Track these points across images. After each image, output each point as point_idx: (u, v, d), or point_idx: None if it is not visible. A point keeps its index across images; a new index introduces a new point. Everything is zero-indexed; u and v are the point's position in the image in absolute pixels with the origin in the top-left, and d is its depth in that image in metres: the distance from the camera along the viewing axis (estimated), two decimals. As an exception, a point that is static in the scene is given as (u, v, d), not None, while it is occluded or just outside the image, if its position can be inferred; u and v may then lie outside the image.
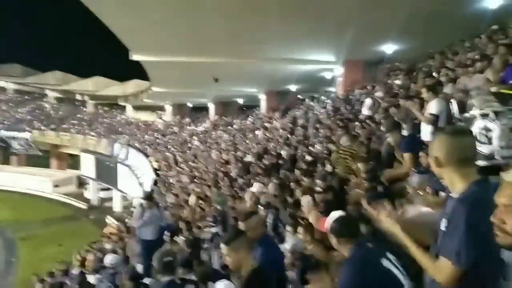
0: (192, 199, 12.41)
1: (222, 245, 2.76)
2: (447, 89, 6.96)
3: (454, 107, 5.34)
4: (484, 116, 4.14)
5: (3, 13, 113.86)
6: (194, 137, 32.92)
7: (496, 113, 4.08)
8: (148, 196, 8.29)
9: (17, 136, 44.61)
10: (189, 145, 31.12)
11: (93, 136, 41.81)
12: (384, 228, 1.98)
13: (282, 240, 5.20)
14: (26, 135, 44.46)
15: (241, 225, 3.30)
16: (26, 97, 56.18)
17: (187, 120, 41.98)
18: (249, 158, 14.93)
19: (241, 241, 2.73)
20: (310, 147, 10.91)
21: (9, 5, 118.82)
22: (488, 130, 3.93)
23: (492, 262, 1.62)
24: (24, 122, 47.23)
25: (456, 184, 1.74)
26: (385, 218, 1.95)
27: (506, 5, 12.35)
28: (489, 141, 3.87)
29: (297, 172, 8.49)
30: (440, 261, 1.67)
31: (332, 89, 24.00)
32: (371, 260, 2.23)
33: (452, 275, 1.61)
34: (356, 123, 9.70)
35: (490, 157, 3.83)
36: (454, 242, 1.62)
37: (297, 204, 6.16)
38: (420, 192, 4.23)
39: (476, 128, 3.91)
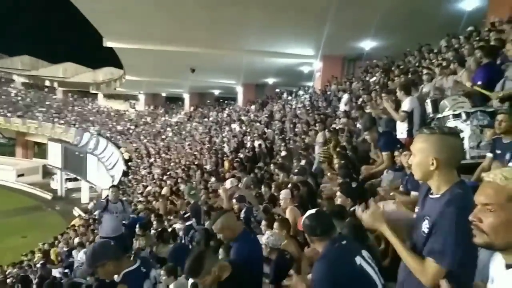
0: (164, 192, 12.18)
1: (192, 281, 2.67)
2: (425, 88, 7.03)
3: (428, 106, 5.38)
4: (456, 116, 4.20)
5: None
6: (167, 128, 32.45)
7: (468, 114, 4.15)
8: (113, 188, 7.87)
9: (-19, 122, 42.73)
10: (163, 136, 30.66)
11: (62, 124, 40.51)
12: (368, 225, 1.91)
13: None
14: (-10, 121, 42.63)
15: (213, 228, 3.19)
16: (-9, 81, 53.79)
17: (161, 110, 41.32)
18: (224, 151, 14.79)
19: (206, 266, 2.57)
20: (286, 142, 10.86)
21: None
22: (459, 131, 3.99)
23: (474, 262, 1.65)
24: (-12, 108, 45.23)
25: (441, 185, 1.70)
26: (370, 216, 1.88)
27: (481, 7, 12.67)
28: (460, 142, 3.93)
29: (272, 166, 8.43)
30: (425, 262, 1.64)
31: (310, 84, 24.10)
32: (344, 258, 2.20)
33: (437, 275, 1.60)
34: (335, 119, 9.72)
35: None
36: (439, 243, 1.60)
37: (272, 198, 6.09)
38: (391, 191, 4.25)
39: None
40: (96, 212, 7.36)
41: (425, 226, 1.68)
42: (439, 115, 4.58)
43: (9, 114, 43.77)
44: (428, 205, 1.75)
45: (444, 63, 7.87)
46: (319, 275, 2.16)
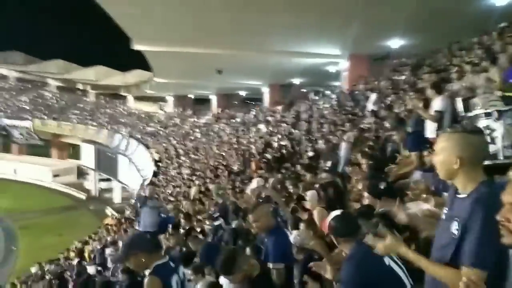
0: (193, 192, 12.39)
1: (224, 279, 2.79)
2: (454, 86, 6.87)
3: (459, 105, 5.26)
4: (488, 115, 4.10)
5: (5, 0, 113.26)
6: (195, 129, 32.89)
7: (500, 113, 4.04)
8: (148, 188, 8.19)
9: (18, 124, 44.60)
10: (191, 137, 31.11)
11: (94, 126, 41.75)
12: (390, 250, 1.93)
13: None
14: (27, 123, 44.45)
15: (250, 217, 3.31)
16: (28, 85, 56.00)
17: (189, 112, 41.90)
18: (251, 151, 14.88)
19: (236, 265, 2.64)
20: (313, 142, 10.84)
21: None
22: (491, 129, 3.89)
23: (505, 262, 1.59)
24: (25, 111, 47.17)
25: (467, 184, 1.69)
26: (387, 246, 1.89)
27: (514, 2, 12.23)
28: (492, 141, 3.84)
29: (299, 167, 8.45)
30: (462, 270, 1.60)
31: (337, 83, 23.83)
32: (372, 258, 2.16)
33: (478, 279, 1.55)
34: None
35: (493, 156, 3.80)
36: (474, 246, 1.57)
37: (299, 199, 6.11)
38: (423, 193, 4.19)
39: (480, 127, 3.88)
40: (136, 206, 7.61)
41: (454, 227, 1.67)
42: (470, 114, 4.49)
43: (45, 117, 45.52)
44: (456, 206, 1.74)
45: (476, 61, 7.67)
46: (347, 276, 2.15)
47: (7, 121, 45.17)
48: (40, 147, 47.03)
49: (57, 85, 56.17)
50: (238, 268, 2.61)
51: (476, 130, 1.79)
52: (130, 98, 51.31)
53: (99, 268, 9.28)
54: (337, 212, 2.58)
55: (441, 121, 5.28)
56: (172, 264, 2.86)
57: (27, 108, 48.33)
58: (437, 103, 5.33)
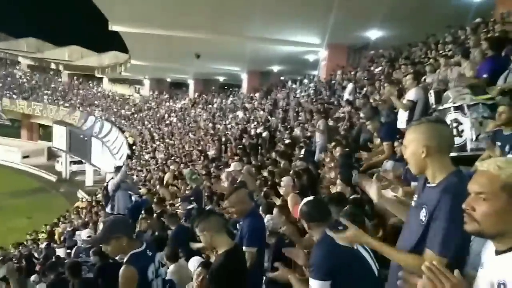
0: (167, 176, 12.28)
1: (196, 229, 2.76)
2: (428, 78, 7.02)
3: (432, 97, 5.39)
4: (457, 109, 4.21)
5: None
6: (171, 113, 32.48)
7: (468, 107, 4.17)
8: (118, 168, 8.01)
9: (-14, 103, 42.87)
10: (166, 121, 30.72)
11: (66, 107, 40.58)
12: (353, 241, 1.99)
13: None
14: (-5, 102, 42.74)
15: (225, 203, 3.32)
16: (-3, 63, 53.81)
17: (166, 96, 41.29)
18: (228, 137, 14.84)
19: (208, 222, 2.71)
20: (289, 130, 10.90)
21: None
22: (459, 123, 4.03)
23: (467, 249, 1.67)
24: (-6, 89, 45.31)
25: (436, 173, 1.74)
26: (351, 237, 1.94)
27: (489, -2, 12.51)
28: (459, 134, 3.98)
29: (274, 154, 8.49)
30: (425, 255, 1.65)
31: (315, 72, 23.95)
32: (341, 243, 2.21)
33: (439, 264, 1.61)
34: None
35: (460, 149, 3.93)
36: (439, 233, 1.62)
37: (273, 185, 6.16)
38: (392, 182, 4.28)
39: (448, 120, 4.00)
40: (110, 189, 7.42)
41: (422, 214, 1.71)
42: (441, 107, 4.60)
43: (14, 96, 43.89)
44: (425, 194, 1.78)
45: (449, 54, 7.84)
46: (317, 260, 2.19)
47: (-27, 99, 43.32)
48: (9, 128, 45.42)
49: (29, 64, 54.13)
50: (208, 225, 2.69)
51: (440, 120, 1.85)
52: (105, 80, 50.03)
53: (69, 251, 9.14)
54: (309, 198, 2.61)
55: (413, 111, 5.40)
56: (149, 252, 2.79)
57: (-4, 86, 46.40)
58: (412, 93, 5.47)
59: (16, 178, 33.59)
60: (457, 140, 3.89)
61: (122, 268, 2.63)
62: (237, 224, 3.92)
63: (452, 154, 3.04)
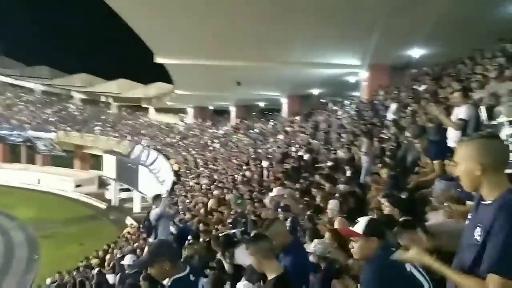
0: (211, 202, 12.40)
1: (247, 245, 2.78)
2: (477, 94, 6.74)
3: (483, 113, 5.15)
4: (512, 123, 3.99)
5: (33, 16, 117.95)
6: (215, 140, 33.10)
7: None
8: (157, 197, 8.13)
9: (43, 136, 45.82)
10: (210, 148, 31.30)
11: (115, 137, 42.50)
12: (414, 259, 1.90)
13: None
14: (51, 135, 45.63)
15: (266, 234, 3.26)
16: (53, 98, 57.75)
17: (209, 123, 42.27)
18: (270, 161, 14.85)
19: (259, 246, 2.70)
20: (332, 152, 10.75)
21: (38, 9, 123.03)
22: (515, 138, 3.80)
23: None
24: (50, 123, 48.49)
25: (492, 191, 1.65)
26: (412, 257, 1.86)
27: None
28: (517, 149, 3.73)
29: (318, 176, 8.37)
30: (487, 277, 1.55)
31: (356, 93, 23.66)
32: (395, 263, 2.12)
33: (503, 287, 1.51)
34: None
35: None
36: (496, 252, 1.53)
37: (317, 209, 6.06)
38: (445, 202, 4.08)
39: (504, 135, 3.78)
40: (152, 219, 7.53)
41: (477, 234, 1.63)
42: (494, 122, 4.39)
43: (68, 129, 46.68)
44: (481, 212, 1.70)
45: (499, 69, 7.51)
46: (368, 278, 2.15)
47: (32, 133, 46.48)
48: (63, 158, 48.07)
49: (81, 98, 57.73)
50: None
51: (493, 135, 1.77)
52: (151, 110, 52.18)
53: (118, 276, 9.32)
54: (366, 218, 2.58)
55: (465, 130, 5.17)
56: (192, 277, 2.78)
57: (52, 120, 49.68)
58: (462, 111, 5.21)
59: (69, 206, 35.22)
60: (514, 156, 3.67)
61: None
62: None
63: (509, 171, 2.88)
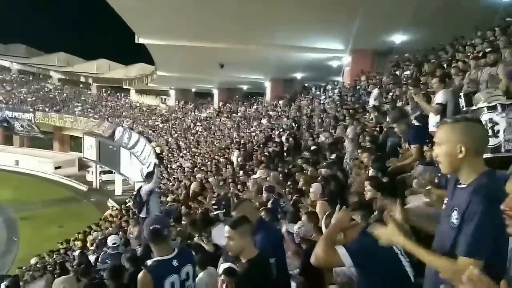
0: (194, 185, 12.41)
1: (228, 228, 2.72)
2: (457, 80, 6.86)
3: (462, 100, 5.26)
4: (491, 109, 4.08)
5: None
6: (197, 123, 32.90)
7: (503, 106, 4.03)
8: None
9: (20, 117, 44.60)
10: (193, 131, 31.13)
11: (96, 118, 41.78)
12: (386, 243, 1.86)
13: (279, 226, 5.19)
14: (29, 116, 44.45)
15: (233, 214, 3.30)
16: (30, 78, 56.04)
17: (191, 105, 41.89)
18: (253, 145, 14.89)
19: (247, 227, 2.73)
20: (314, 136, 10.85)
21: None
22: (494, 123, 3.89)
23: (505, 252, 1.62)
24: (28, 103, 47.18)
25: (470, 174, 1.68)
26: (386, 234, 1.84)
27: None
28: (495, 134, 3.84)
29: (300, 161, 8.46)
30: (459, 259, 1.59)
31: (339, 78, 23.76)
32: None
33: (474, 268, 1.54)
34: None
35: (495, 150, 3.80)
36: (471, 235, 1.57)
37: (299, 192, 6.15)
38: (428, 185, 4.18)
39: (482, 121, 3.87)
40: (143, 194, 7.46)
41: (454, 217, 1.67)
42: (473, 108, 4.48)
43: (46, 109, 45.53)
44: (456, 196, 1.74)
45: (480, 54, 7.62)
46: (356, 246, 2.06)
47: (9, 113, 45.16)
48: (42, 140, 47.07)
49: (60, 78, 56.19)
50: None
51: (477, 119, 1.80)
52: (132, 91, 51.30)
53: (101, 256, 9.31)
54: None
55: (444, 115, 5.27)
56: (175, 262, 2.73)
57: (30, 100, 48.32)
58: (440, 96, 5.33)
59: (48, 188, 34.68)
60: (493, 141, 3.77)
61: (140, 272, 2.64)
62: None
63: (487, 155, 2.96)
